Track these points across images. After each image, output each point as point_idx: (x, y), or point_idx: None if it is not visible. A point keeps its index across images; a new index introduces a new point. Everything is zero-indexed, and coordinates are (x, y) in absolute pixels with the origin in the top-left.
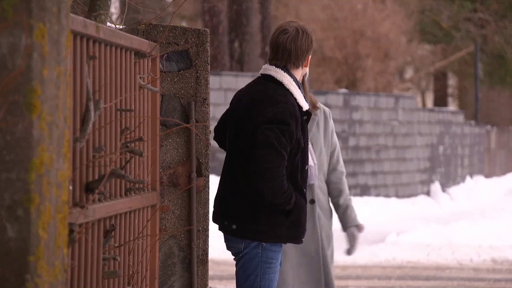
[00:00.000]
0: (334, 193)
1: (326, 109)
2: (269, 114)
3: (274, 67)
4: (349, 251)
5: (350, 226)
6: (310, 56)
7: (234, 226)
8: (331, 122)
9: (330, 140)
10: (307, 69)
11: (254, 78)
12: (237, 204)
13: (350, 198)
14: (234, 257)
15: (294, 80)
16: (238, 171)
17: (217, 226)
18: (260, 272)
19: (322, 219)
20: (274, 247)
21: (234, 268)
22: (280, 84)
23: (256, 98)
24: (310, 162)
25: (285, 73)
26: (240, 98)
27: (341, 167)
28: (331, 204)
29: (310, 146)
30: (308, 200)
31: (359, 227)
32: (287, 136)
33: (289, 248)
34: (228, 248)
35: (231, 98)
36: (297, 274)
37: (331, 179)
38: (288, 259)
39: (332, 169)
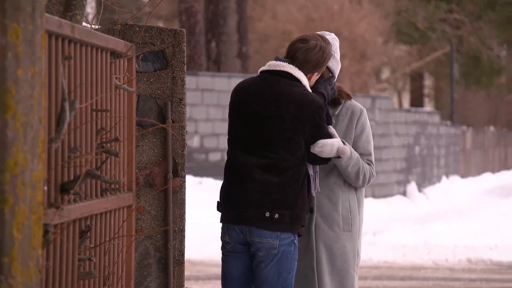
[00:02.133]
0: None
1: (357, 107)
2: (308, 100)
3: (288, 64)
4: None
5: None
6: (316, 74)
7: (276, 216)
8: (360, 124)
9: (352, 143)
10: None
11: (255, 75)
12: (279, 191)
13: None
14: (257, 253)
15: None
16: (275, 156)
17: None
18: (292, 270)
19: (322, 229)
20: (297, 242)
21: (211, 269)
22: (297, 81)
23: (283, 92)
24: (309, 170)
25: (300, 70)
26: (259, 95)
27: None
28: (348, 214)
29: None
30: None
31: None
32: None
33: None
34: (248, 243)
35: (208, 98)
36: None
37: None
38: None
39: None
